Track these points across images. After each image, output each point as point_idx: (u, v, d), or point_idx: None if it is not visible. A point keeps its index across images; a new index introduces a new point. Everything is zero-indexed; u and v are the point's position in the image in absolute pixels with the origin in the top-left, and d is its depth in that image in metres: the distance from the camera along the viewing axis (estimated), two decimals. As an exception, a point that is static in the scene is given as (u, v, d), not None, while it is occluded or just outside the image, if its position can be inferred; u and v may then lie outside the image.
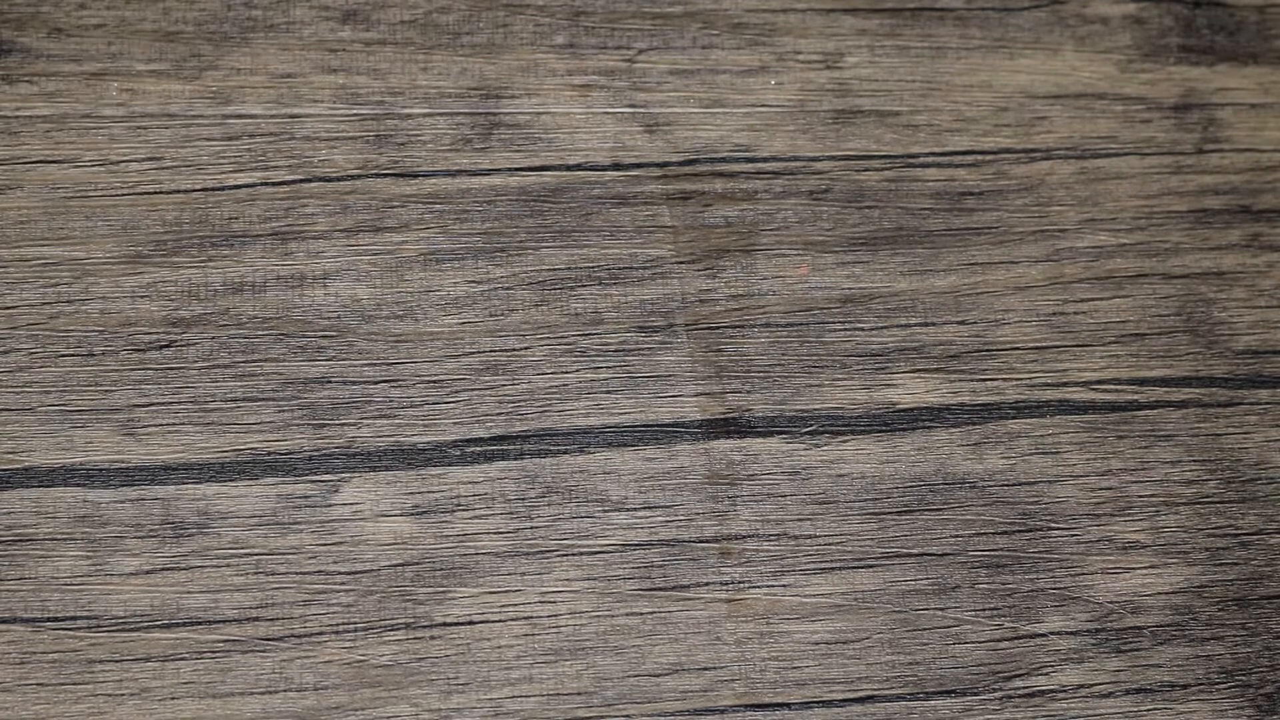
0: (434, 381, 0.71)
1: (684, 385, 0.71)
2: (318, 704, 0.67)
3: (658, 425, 0.71)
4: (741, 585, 0.69)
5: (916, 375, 0.72)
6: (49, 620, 0.67)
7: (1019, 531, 0.71)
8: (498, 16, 0.75)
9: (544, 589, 0.69)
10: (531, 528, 0.69)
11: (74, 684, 0.66)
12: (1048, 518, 0.71)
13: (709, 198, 0.74)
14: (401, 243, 0.72)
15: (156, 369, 0.70)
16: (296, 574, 0.68)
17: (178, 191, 0.72)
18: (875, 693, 0.69)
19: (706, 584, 0.69)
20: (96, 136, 0.72)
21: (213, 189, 0.72)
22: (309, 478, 0.69)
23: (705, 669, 0.68)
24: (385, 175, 0.73)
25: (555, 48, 0.75)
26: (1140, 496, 0.72)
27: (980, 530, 0.71)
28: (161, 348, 0.70)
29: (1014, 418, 0.72)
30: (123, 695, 0.66)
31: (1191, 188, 0.76)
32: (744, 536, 0.70)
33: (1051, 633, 0.70)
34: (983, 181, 0.75)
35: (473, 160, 0.73)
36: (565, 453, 0.70)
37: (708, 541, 0.70)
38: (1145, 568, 0.71)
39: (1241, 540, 0.72)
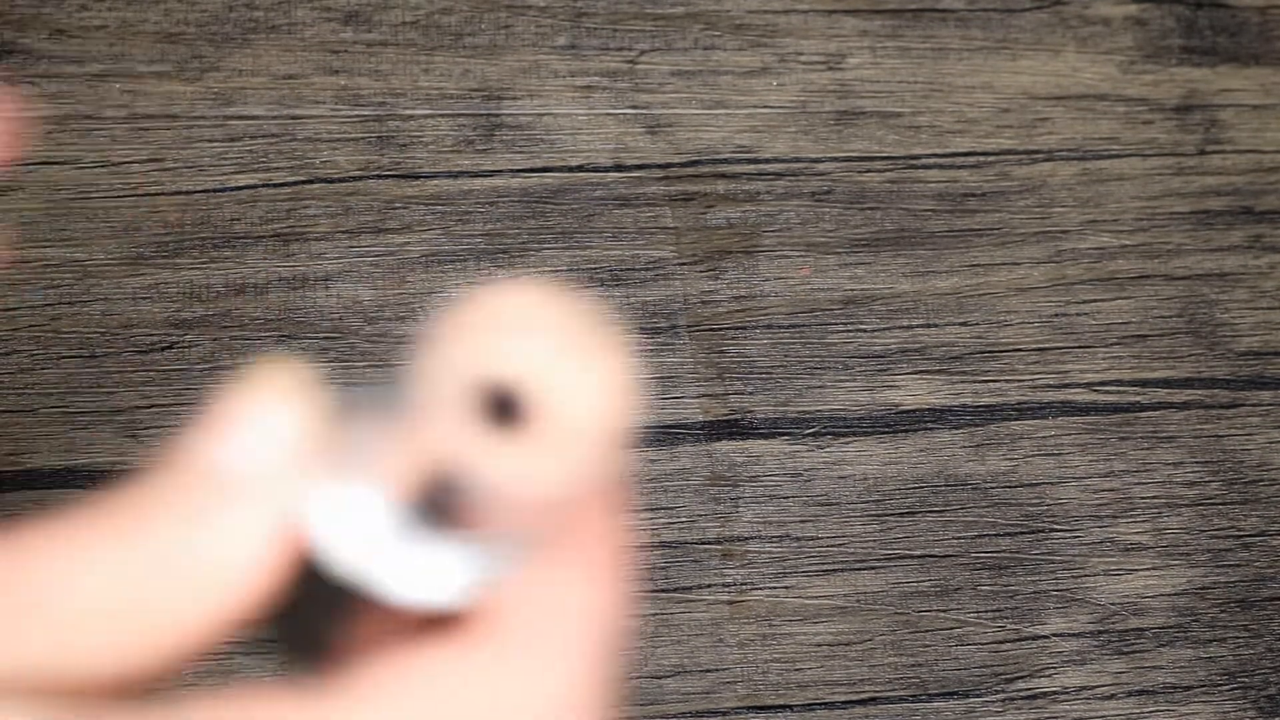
0: (436, 383, 0.71)
1: (686, 387, 0.71)
2: (320, 706, 0.67)
3: (660, 426, 0.71)
4: (744, 587, 0.69)
5: (918, 376, 0.72)
6: (52, 622, 0.67)
7: (1021, 533, 0.71)
8: (499, 18, 0.75)
9: (546, 591, 0.68)
10: (534, 529, 0.69)
11: (76, 686, 0.66)
12: (1050, 519, 0.71)
13: (711, 199, 0.74)
14: (403, 244, 0.72)
15: (158, 371, 0.70)
16: (299, 576, 0.68)
17: (179, 193, 0.72)
18: (878, 694, 0.69)
19: (709, 586, 0.69)
20: (98, 138, 0.72)
21: (214, 190, 0.72)
22: (311, 479, 0.69)
23: (708, 671, 0.68)
24: (387, 176, 0.73)
25: (557, 49, 0.75)
26: (1142, 498, 0.72)
27: (982, 532, 0.71)
28: (163, 349, 0.70)
29: (1016, 419, 0.72)
30: (125, 697, 0.66)
31: (1193, 189, 0.76)
32: (746, 538, 0.70)
33: (1054, 634, 0.70)
34: (984, 183, 0.75)
35: (475, 161, 0.73)
36: (567, 454, 0.70)
37: (710, 543, 0.70)
38: (1147, 569, 0.71)
39: (1244, 542, 0.72)
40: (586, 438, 0.28)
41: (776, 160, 0.74)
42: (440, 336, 0.28)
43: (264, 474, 0.28)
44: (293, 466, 0.28)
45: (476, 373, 0.28)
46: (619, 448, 0.28)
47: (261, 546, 0.28)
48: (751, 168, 0.74)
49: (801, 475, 0.71)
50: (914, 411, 0.72)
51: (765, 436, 0.71)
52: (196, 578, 0.27)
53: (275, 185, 0.72)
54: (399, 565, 0.29)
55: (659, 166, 0.74)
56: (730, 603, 0.69)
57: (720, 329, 0.72)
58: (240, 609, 0.28)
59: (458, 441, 0.28)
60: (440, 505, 0.29)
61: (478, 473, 0.28)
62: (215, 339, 0.70)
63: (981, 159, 0.75)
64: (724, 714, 0.68)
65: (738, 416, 0.71)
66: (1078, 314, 0.74)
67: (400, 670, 0.28)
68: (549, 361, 0.28)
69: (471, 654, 0.28)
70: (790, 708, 0.68)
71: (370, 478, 0.29)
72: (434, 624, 0.29)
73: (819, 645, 0.69)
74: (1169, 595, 0.71)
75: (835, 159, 0.75)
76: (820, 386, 0.72)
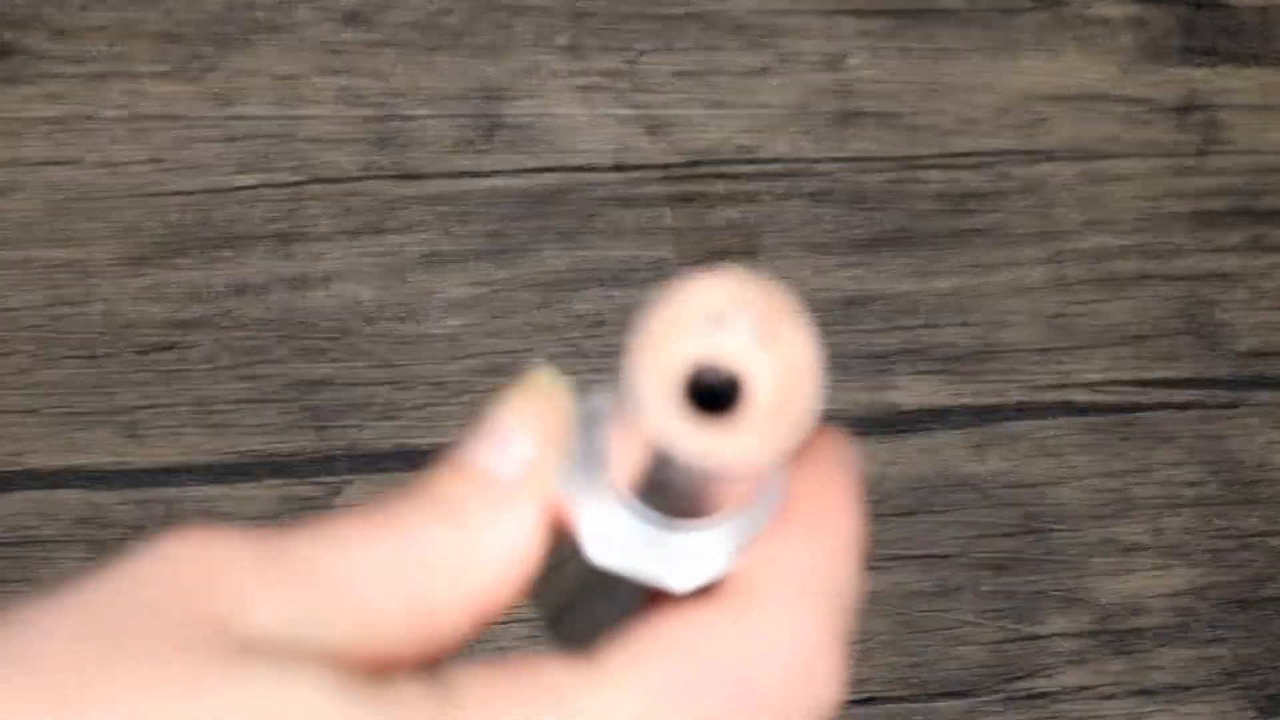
0: (436, 383, 0.71)
1: (686, 387, 0.71)
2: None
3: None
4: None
5: (919, 376, 0.72)
6: (52, 622, 0.67)
7: (1021, 533, 0.71)
8: (500, 18, 0.75)
9: (547, 591, 0.69)
10: (534, 529, 0.69)
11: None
12: (1050, 519, 0.71)
13: (711, 199, 0.74)
14: (404, 244, 0.72)
15: (159, 371, 0.70)
16: (299, 576, 0.68)
17: (180, 193, 0.72)
18: (878, 694, 0.69)
19: (709, 586, 0.69)
20: (99, 138, 0.72)
21: (214, 190, 0.72)
22: (312, 479, 0.69)
23: (708, 671, 0.68)
24: (387, 177, 0.73)
25: (557, 49, 0.75)
26: (1142, 498, 0.72)
27: (982, 532, 0.71)
28: (164, 349, 0.70)
29: (1016, 419, 0.72)
30: (126, 697, 0.66)
31: (1193, 189, 0.76)
32: (746, 538, 0.70)
33: (1054, 634, 0.70)
34: (985, 183, 0.75)
35: (475, 162, 0.73)
36: (568, 454, 0.70)
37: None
38: (1147, 569, 0.71)
39: (1244, 542, 0.72)
40: (791, 413, 0.31)
41: (776, 160, 0.74)
42: (647, 332, 0.31)
43: (526, 475, 0.32)
44: (550, 468, 0.32)
45: (685, 364, 0.31)
46: (818, 418, 0.31)
47: (525, 542, 0.32)
48: (751, 168, 0.74)
49: (802, 475, 0.71)
50: (914, 412, 0.72)
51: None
52: (467, 570, 0.31)
53: (275, 185, 0.72)
54: (651, 552, 0.33)
55: (659, 166, 0.74)
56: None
57: (720, 329, 0.72)
58: (507, 597, 0.32)
59: (676, 430, 0.30)
60: (672, 491, 0.32)
61: (698, 457, 0.30)
62: (215, 339, 0.70)
63: (981, 159, 0.75)
64: (724, 714, 0.68)
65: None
66: (1078, 314, 0.74)
67: (660, 638, 0.31)
68: (749, 347, 0.31)
69: (724, 620, 0.32)
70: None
71: (613, 474, 0.32)
72: (688, 595, 0.32)
73: (819, 645, 0.69)
74: (1169, 595, 0.71)
75: (835, 159, 0.75)
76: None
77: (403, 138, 0.73)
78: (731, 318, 0.31)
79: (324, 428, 0.70)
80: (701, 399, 0.31)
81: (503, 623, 0.32)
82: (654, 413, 0.30)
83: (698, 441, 0.30)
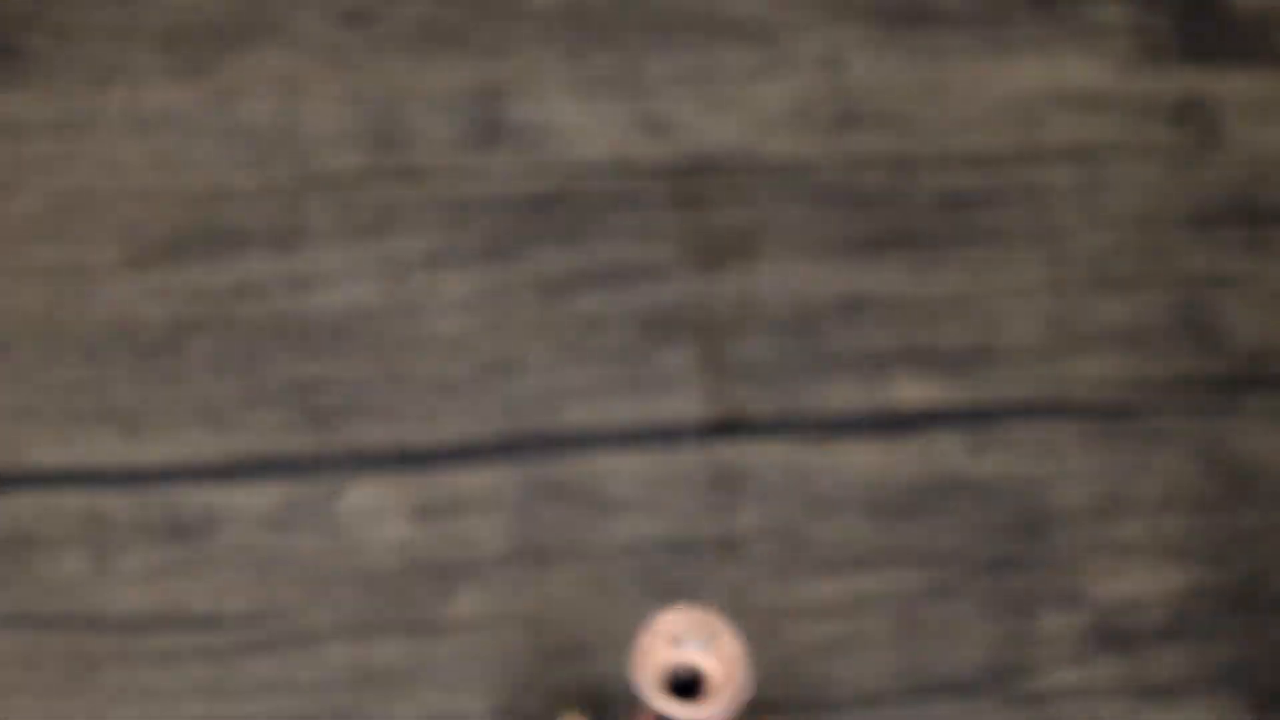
0: (436, 383, 0.71)
1: (686, 387, 0.72)
2: (322, 705, 0.67)
3: (659, 427, 0.71)
4: (744, 587, 0.69)
5: (918, 377, 0.72)
6: (54, 621, 0.67)
7: (1019, 533, 0.71)
8: (500, 18, 0.75)
9: (546, 590, 0.69)
10: (534, 529, 0.69)
11: (79, 685, 0.66)
12: (1049, 519, 0.71)
13: (711, 200, 0.74)
14: (404, 244, 0.72)
15: (158, 371, 0.70)
16: (299, 575, 0.68)
17: (180, 193, 0.72)
18: (876, 694, 0.69)
19: (708, 586, 0.69)
20: (99, 138, 0.72)
21: (214, 190, 0.72)
22: (311, 479, 0.69)
23: (708, 670, 0.68)
24: (388, 177, 0.73)
25: (558, 49, 0.75)
26: (1141, 498, 0.72)
27: (982, 532, 0.71)
28: (163, 349, 0.70)
29: (1016, 419, 0.72)
30: (127, 696, 0.66)
31: (1192, 189, 0.76)
32: (745, 538, 0.70)
33: (1053, 634, 0.70)
34: (984, 183, 0.75)
35: (475, 162, 0.73)
36: (567, 454, 0.70)
37: (709, 543, 0.70)
38: (1145, 569, 0.71)
39: (1242, 542, 0.72)
40: (733, 686, 0.53)
41: (776, 160, 0.75)
42: (639, 651, 0.53)
43: None
44: None
45: (665, 668, 0.53)
46: (751, 688, 0.54)
47: None
48: (751, 168, 0.74)
49: (801, 475, 0.71)
50: (913, 412, 0.72)
51: (764, 437, 0.71)
52: None
53: (275, 185, 0.73)
54: None
55: (659, 167, 0.74)
56: (730, 603, 0.69)
57: (719, 329, 0.72)
58: None
59: (668, 708, 0.52)
60: None
61: None
62: (215, 339, 0.70)
63: (981, 159, 0.75)
64: (724, 714, 0.68)
65: (737, 417, 0.71)
66: (1077, 314, 0.74)
67: None
68: (704, 654, 0.53)
69: None
70: (791, 707, 0.68)
71: None
72: None
73: (819, 645, 0.69)
74: (1168, 595, 0.71)
75: (835, 159, 0.75)
76: (819, 387, 0.72)
77: (403, 138, 0.73)
78: (688, 636, 0.53)
79: (323, 427, 0.70)
80: (679, 686, 0.53)
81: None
82: (652, 699, 0.52)
83: (682, 712, 0.52)
